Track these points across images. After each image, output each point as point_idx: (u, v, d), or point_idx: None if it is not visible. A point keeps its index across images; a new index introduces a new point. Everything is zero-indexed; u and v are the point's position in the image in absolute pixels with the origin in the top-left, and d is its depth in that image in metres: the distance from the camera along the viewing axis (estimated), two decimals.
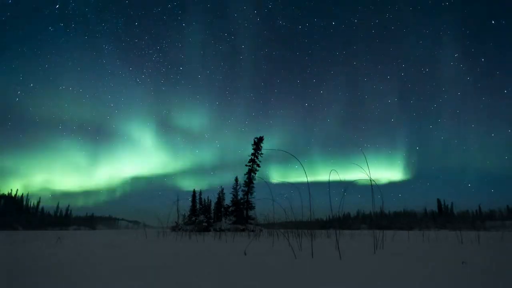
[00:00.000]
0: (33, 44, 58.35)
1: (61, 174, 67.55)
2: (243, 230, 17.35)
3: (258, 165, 19.68)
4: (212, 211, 20.93)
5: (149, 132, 69.16)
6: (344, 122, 67.20)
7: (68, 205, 57.34)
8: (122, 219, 64.70)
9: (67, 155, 63.98)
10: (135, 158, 70.85)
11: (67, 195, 64.32)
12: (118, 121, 67.56)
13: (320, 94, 64.12)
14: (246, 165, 19.75)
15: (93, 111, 64.71)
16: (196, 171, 63.39)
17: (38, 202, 55.11)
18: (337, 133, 67.05)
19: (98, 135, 66.46)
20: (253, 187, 19.62)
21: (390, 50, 60.64)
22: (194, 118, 70.11)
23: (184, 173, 63.52)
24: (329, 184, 4.68)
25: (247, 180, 19.64)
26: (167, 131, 68.53)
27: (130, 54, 64.10)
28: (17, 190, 53.71)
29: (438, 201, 45.11)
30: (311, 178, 4.72)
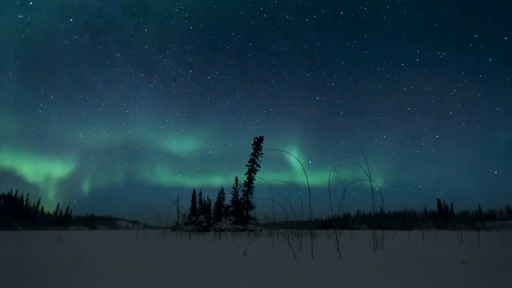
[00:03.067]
0: (51, 59, 62.38)
1: (83, 180, 70.24)
2: (243, 230, 17.35)
3: (258, 165, 19.68)
4: (212, 211, 20.93)
5: (163, 135, 70.66)
6: (358, 114, 66.67)
7: (68, 205, 57.69)
8: (122, 219, 65.01)
9: (88, 162, 67.82)
10: (150, 161, 72.21)
11: (90, 198, 66.54)
12: (133, 127, 70.33)
13: (331, 87, 63.45)
14: (246, 165, 19.77)
15: (110, 119, 67.76)
16: (210, 171, 64.18)
17: (38, 202, 55.23)
18: (350, 125, 66.54)
19: (116, 141, 69.48)
20: (253, 187, 19.63)
21: (403, 36, 58.58)
22: (205, 119, 71.39)
23: (200, 174, 64.33)
24: (329, 184, 4.68)
25: (247, 180, 19.65)
26: (181, 133, 69.84)
27: (141, 60, 66.57)
28: (17, 190, 53.86)
29: (438, 201, 45.17)
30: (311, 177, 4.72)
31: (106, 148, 69.66)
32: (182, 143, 72.44)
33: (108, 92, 68.55)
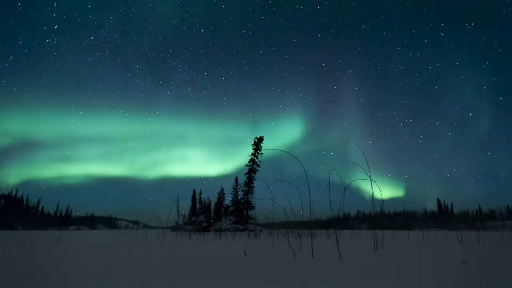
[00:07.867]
0: (77, 76, 66.30)
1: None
2: (243, 230, 17.34)
3: (258, 165, 19.67)
4: (212, 211, 20.92)
5: (182, 139, 73.43)
6: (375, 101, 65.76)
7: (68, 205, 58.06)
8: (122, 219, 65.24)
9: (118, 170, 72.24)
10: (174, 166, 76.34)
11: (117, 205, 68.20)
12: (155, 134, 74.12)
13: (349, 73, 62.45)
14: (246, 165, 19.74)
15: (134, 128, 71.81)
16: (234, 171, 64.55)
17: (38, 202, 55.22)
18: (368, 113, 65.89)
19: (142, 149, 74.43)
20: (253, 187, 19.62)
21: (424, 11, 54.62)
22: (223, 119, 73.00)
23: (223, 176, 65.05)
24: (329, 184, 4.68)
25: (247, 180, 19.64)
26: (200, 136, 71.62)
27: (158, 69, 70.32)
28: (17, 190, 53.89)
29: (438, 201, 45.15)
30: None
31: (133, 154, 73.90)
32: (201, 146, 73.89)
33: (131, 103, 73.00)
